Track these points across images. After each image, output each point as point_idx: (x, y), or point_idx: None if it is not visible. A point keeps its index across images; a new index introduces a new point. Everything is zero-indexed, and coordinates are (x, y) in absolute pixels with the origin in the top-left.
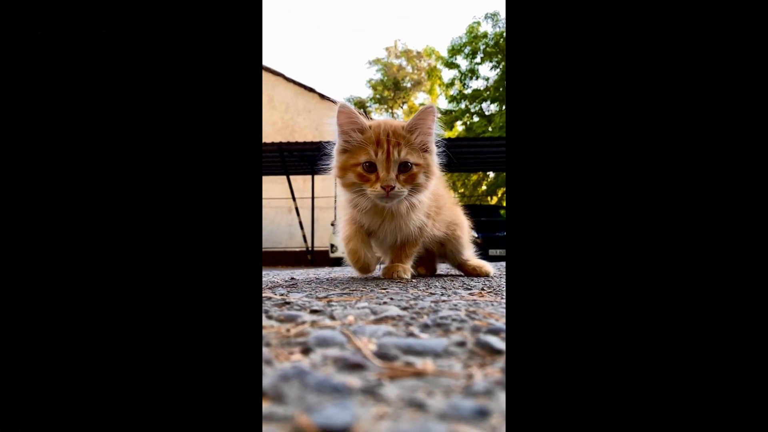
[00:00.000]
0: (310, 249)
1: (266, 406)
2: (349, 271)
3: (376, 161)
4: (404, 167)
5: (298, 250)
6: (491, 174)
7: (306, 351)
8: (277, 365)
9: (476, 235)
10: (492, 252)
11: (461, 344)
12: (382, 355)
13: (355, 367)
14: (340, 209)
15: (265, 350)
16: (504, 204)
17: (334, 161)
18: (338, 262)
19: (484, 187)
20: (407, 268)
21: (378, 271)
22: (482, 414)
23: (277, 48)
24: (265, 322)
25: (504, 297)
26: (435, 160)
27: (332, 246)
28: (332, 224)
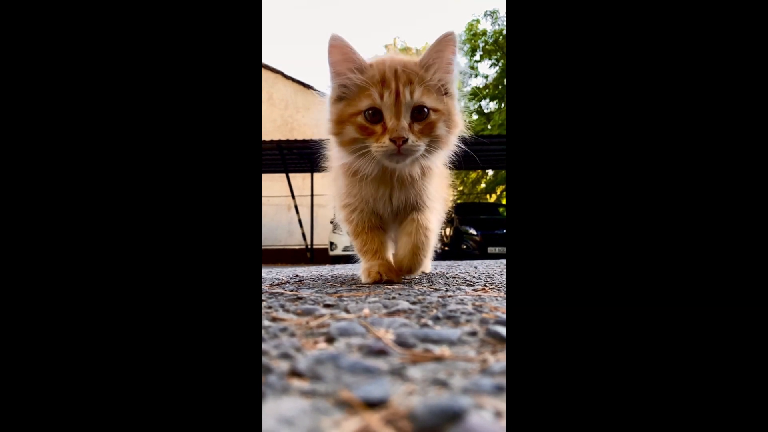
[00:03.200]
0: (309, 246)
1: (307, 385)
2: (351, 268)
3: (382, 106)
4: (419, 113)
5: (297, 247)
6: (490, 172)
7: (330, 340)
8: (306, 352)
9: (475, 233)
10: (491, 249)
11: (473, 334)
12: (401, 343)
13: (379, 353)
14: (332, 184)
15: (292, 339)
16: (502, 202)
17: (328, 114)
18: (338, 259)
19: (482, 185)
20: (427, 262)
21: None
22: (501, 389)
23: (276, 45)
24: (283, 315)
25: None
26: (457, 107)
27: (331, 243)
28: (331, 222)
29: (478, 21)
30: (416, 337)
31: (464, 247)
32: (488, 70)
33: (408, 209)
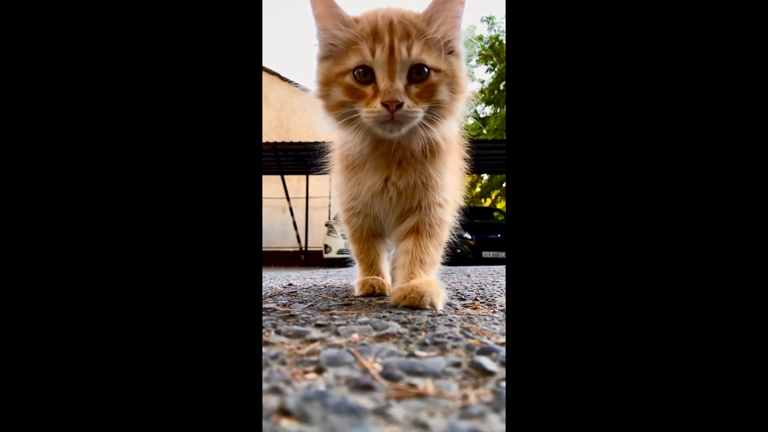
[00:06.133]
0: (304, 249)
1: (294, 426)
2: (345, 273)
3: (374, 64)
4: (418, 73)
5: (291, 249)
6: (485, 176)
7: (319, 370)
8: (296, 384)
9: (469, 237)
10: (485, 254)
11: (457, 365)
12: (388, 375)
13: (365, 388)
14: (333, 183)
15: (282, 369)
16: (497, 206)
17: (315, 75)
18: (332, 262)
19: (478, 189)
20: (438, 289)
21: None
22: None
23: (273, 47)
24: (275, 338)
25: (495, 310)
26: (464, 69)
27: (326, 246)
28: (326, 224)
29: (474, 27)
30: (402, 368)
31: (458, 251)
32: (484, 75)
33: (409, 208)
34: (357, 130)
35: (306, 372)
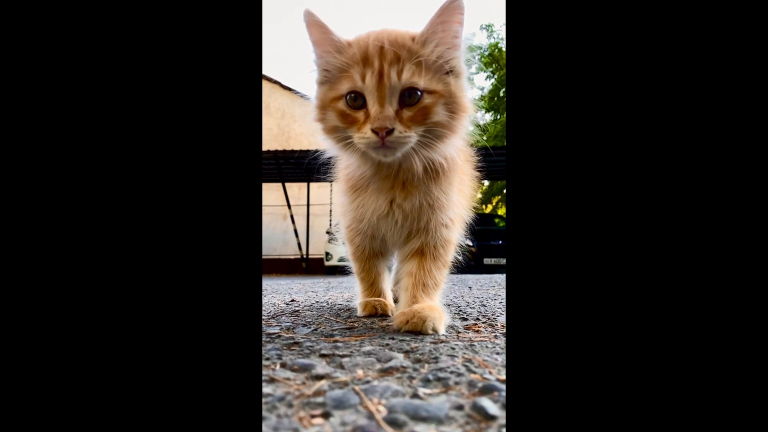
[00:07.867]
0: (305, 257)
1: None
2: (346, 285)
3: (364, 90)
4: (409, 97)
5: (292, 257)
6: (486, 183)
7: (326, 415)
8: None
9: (471, 244)
10: (487, 261)
11: (460, 407)
12: (393, 420)
13: None
14: (336, 200)
15: (288, 414)
16: (498, 213)
17: (314, 99)
18: (333, 270)
19: (479, 196)
20: (440, 313)
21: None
22: None
23: (274, 56)
24: (280, 373)
25: (497, 333)
26: (465, 87)
27: (327, 254)
28: (327, 232)
29: (473, 35)
30: (407, 412)
31: (460, 258)
32: (484, 82)
33: (416, 230)
34: (355, 153)
35: (313, 416)
